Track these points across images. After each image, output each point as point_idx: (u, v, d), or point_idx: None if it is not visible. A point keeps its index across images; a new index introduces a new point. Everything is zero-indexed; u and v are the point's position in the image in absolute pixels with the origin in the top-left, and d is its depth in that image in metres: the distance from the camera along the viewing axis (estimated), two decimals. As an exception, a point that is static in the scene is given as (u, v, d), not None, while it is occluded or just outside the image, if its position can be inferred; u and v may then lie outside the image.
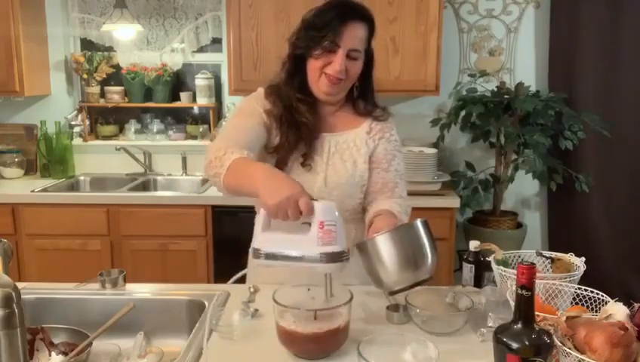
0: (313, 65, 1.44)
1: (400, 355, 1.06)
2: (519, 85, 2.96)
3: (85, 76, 3.35)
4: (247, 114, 1.49)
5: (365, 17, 1.43)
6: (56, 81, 3.37)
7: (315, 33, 1.40)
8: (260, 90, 1.54)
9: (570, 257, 1.40)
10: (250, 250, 1.19)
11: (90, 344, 1.20)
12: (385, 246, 1.18)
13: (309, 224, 1.10)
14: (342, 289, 1.19)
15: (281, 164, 1.46)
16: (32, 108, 3.39)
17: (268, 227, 1.16)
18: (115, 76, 3.43)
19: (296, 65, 1.48)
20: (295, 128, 1.46)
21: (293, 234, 1.12)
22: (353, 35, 1.40)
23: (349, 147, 1.51)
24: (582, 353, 0.96)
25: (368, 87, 1.55)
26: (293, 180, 1.16)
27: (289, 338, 1.14)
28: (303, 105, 1.47)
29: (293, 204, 1.08)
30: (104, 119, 3.49)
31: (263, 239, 1.15)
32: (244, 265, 1.50)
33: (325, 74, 1.42)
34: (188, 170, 3.34)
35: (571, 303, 1.23)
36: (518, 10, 3.20)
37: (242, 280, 1.53)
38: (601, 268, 2.98)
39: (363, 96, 1.55)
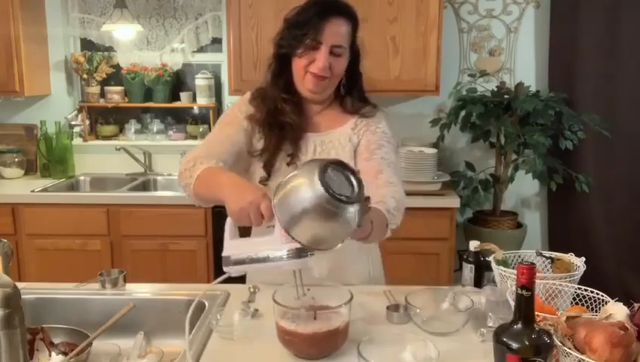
0: (298, 64, 1.44)
1: (400, 355, 1.06)
2: (519, 85, 2.96)
3: (85, 76, 3.35)
4: (225, 123, 1.52)
5: (346, 13, 1.43)
6: (56, 81, 3.37)
7: (297, 31, 1.41)
8: (247, 95, 1.55)
9: (570, 257, 1.40)
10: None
11: (90, 344, 1.20)
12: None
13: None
14: (342, 289, 1.19)
15: (268, 166, 1.47)
16: (32, 108, 3.38)
17: (235, 235, 1.17)
18: (115, 76, 3.42)
19: (281, 65, 1.48)
20: (278, 129, 1.47)
21: (259, 238, 1.13)
22: (335, 31, 1.40)
23: (335, 146, 1.51)
24: (582, 353, 0.96)
25: (355, 85, 1.54)
26: (256, 187, 1.19)
27: (289, 338, 1.14)
28: (288, 106, 1.48)
29: (255, 208, 1.08)
30: (104, 119, 3.49)
31: (231, 246, 1.16)
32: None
33: (310, 72, 1.42)
34: (188, 170, 3.33)
35: (571, 303, 1.23)
36: (518, 10, 3.20)
37: (242, 280, 1.53)
38: (601, 268, 2.97)
39: (350, 94, 1.54)
